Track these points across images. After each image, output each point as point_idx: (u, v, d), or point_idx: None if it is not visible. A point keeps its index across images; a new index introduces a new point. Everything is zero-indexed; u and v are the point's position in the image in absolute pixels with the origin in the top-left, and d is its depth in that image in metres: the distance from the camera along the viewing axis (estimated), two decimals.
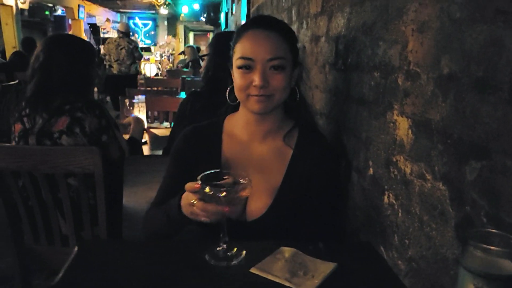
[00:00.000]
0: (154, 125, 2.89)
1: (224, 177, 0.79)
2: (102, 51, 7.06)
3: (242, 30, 1.03)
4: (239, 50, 1.00)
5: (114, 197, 1.52)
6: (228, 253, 0.80)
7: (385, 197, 0.89)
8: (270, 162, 1.04)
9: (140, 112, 2.33)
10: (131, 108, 2.27)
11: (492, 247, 0.48)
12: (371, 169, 0.97)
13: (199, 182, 0.77)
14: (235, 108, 1.09)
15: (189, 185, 0.81)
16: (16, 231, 1.64)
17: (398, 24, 0.82)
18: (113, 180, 1.52)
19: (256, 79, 0.95)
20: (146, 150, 2.22)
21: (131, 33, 7.18)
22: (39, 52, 1.69)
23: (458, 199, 0.64)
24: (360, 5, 1.02)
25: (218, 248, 0.80)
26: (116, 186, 1.52)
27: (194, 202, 0.80)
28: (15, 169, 1.55)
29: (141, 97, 2.42)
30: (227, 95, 1.06)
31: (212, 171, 0.80)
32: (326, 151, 1.07)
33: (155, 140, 2.45)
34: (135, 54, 6.46)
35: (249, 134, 1.05)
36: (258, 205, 1.01)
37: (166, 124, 2.94)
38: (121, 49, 6.35)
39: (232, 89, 1.03)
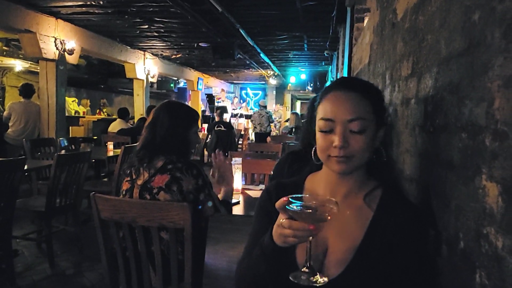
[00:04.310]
0: (250, 186, 2.97)
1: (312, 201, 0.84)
2: (216, 119, 9.42)
3: (325, 92, 1.04)
4: (321, 112, 1.01)
5: (198, 253, 1.57)
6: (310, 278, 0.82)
7: (477, 276, 0.76)
8: (350, 220, 1.00)
9: (235, 173, 2.42)
10: None
11: None
12: (461, 242, 0.85)
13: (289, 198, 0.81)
14: (319, 167, 1.09)
15: (279, 201, 0.83)
16: (113, 280, 1.76)
17: (483, 81, 0.75)
18: (198, 236, 1.58)
19: (336, 140, 0.95)
20: (239, 210, 2.27)
21: (242, 101, 10.34)
22: (152, 114, 1.96)
23: None
24: (446, 64, 0.96)
25: (302, 271, 0.83)
26: (200, 243, 1.57)
27: (282, 221, 0.83)
28: (118, 220, 1.71)
29: (238, 160, 2.52)
30: (312, 155, 1.05)
31: (300, 195, 0.83)
32: (413, 217, 0.99)
33: (249, 201, 2.50)
34: (270, 120, 10.33)
35: (330, 193, 1.03)
36: (336, 262, 0.97)
37: (262, 186, 3.00)
38: (262, 117, 10.20)
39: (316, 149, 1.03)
